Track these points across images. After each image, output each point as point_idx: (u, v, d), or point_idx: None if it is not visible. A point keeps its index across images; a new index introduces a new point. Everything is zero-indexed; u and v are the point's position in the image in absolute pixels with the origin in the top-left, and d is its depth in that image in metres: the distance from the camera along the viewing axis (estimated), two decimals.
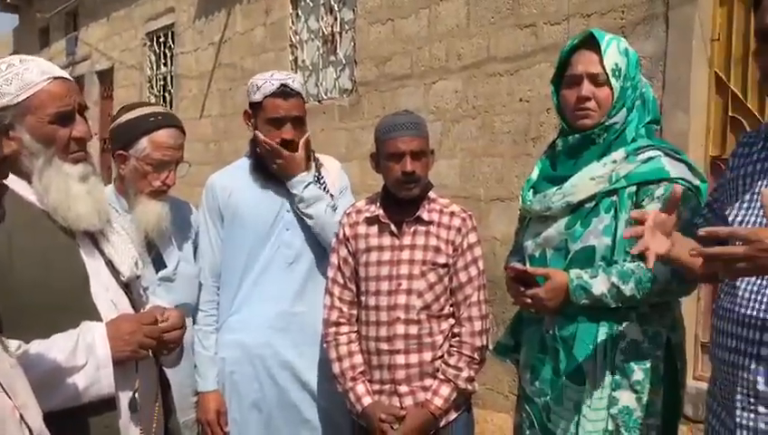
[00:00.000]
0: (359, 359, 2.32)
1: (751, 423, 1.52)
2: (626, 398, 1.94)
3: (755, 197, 1.58)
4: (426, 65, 5.11)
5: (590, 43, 2.00)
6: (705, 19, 3.60)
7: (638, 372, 1.94)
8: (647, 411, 1.94)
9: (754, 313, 1.52)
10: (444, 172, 4.94)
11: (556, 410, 2.03)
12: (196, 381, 2.48)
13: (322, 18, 6.26)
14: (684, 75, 3.61)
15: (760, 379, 1.50)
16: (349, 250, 2.34)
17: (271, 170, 2.47)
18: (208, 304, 2.51)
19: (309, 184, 2.46)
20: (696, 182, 1.94)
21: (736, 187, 1.66)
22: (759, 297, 1.51)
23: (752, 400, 1.52)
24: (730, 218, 1.63)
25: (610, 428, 1.96)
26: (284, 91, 2.42)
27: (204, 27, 7.91)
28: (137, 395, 1.70)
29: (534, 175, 2.17)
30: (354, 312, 2.35)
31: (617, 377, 1.96)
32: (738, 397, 1.54)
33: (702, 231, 1.44)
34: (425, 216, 2.30)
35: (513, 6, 4.49)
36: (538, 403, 2.09)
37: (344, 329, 2.34)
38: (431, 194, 2.35)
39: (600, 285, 1.92)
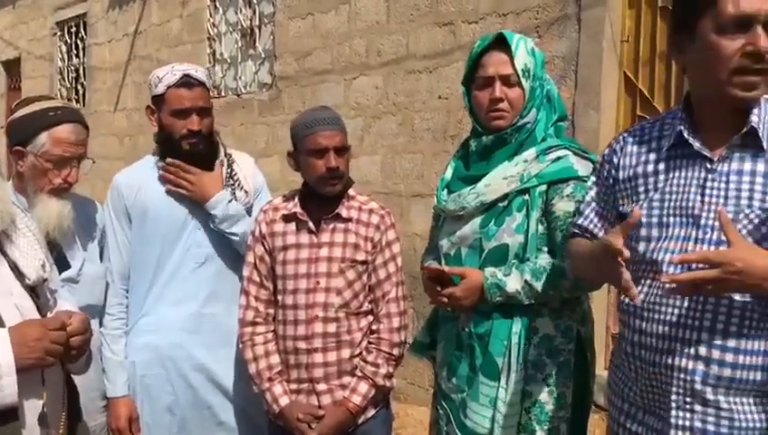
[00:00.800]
0: (275, 359, 2.29)
1: (687, 423, 1.55)
2: (539, 392, 1.99)
3: (667, 197, 1.61)
4: (346, 61, 5.10)
5: (499, 43, 2.03)
6: (615, 21, 3.73)
7: (551, 365, 2.00)
8: (558, 404, 1.99)
9: (692, 313, 1.54)
10: (365, 168, 4.94)
11: (472, 406, 2.06)
12: (105, 386, 2.40)
13: (241, 11, 6.16)
14: (595, 75, 3.73)
15: (697, 378, 1.53)
16: (265, 248, 2.31)
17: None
18: (116, 307, 2.43)
19: (230, 201, 2.41)
20: None
21: (635, 186, 1.68)
22: (695, 298, 1.53)
23: (688, 399, 1.54)
24: (643, 218, 1.63)
25: (524, 421, 2.00)
26: (188, 82, 2.36)
27: (118, 18, 7.66)
28: (45, 409, 1.63)
29: (448, 175, 2.20)
30: (271, 311, 2.32)
31: (530, 372, 2.00)
32: (673, 397, 1.56)
33: (676, 258, 1.46)
34: (344, 213, 2.29)
35: (431, 4, 4.53)
36: (455, 400, 2.12)
37: (261, 329, 2.31)
38: (350, 191, 2.34)
39: (513, 283, 1.96)
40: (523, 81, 2.01)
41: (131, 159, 5.50)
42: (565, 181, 1.98)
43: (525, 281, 1.95)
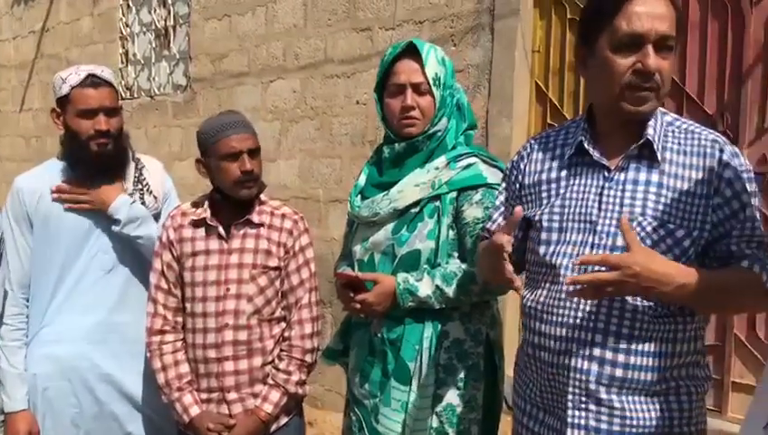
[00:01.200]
0: (185, 368, 2.24)
1: (582, 422, 1.60)
2: (449, 395, 2.02)
3: (567, 203, 1.67)
4: (263, 63, 5.04)
5: (410, 52, 2.05)
6: (527, 32, 3.82)
7: (461, 369, 2.03)
8: (469, 406, 2.03)
9: (587, 315, 1.59)
10: (283, 173, 4.90)
11: (384, 411, 2.07)
12: (3, 401, 2.29)
13: (155, 11, 6.00)
14: (507, 84, 3.82)
15: (591, 378, 1.58)
16: (173, 254, 2.25)
17: (85, 172, 2.33)
18: (15, 317, 2.32)
19: (133, 202, 2.35)
20: None
21: (538, 192, 1.73)
22: (591, 300, 1.58)
23: (583, 398, 1.59)
24: (544, 223, 1.69)
25: (435, 425, 2.02)
26: (93, 81, 2.29)
27: (23, 14, 7.34)
28: None
29: (362, 181, 2.20)
30: (179, 319, 2.27)
31: (441, 375, 2.03)
32: (570, 397, 1.61)
33: (578, 260, 1.51)
34: (255, 218, 2.26)
35: (349, 10, 4.54)
36: (367, 406, 2.12)
37: (169, 337, 2.25)
38: (261, 196, 2.32)
39: (425, 288, 1.98)
40: (434, 89, 2.04)
41: (39, 161, 5.27)
42: (475, 188, 2.02)
43: (437, 286, 1.98)
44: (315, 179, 4.76)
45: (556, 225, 1.66)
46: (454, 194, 2.02)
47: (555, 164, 1.73)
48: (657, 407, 1.58)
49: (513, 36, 3.79)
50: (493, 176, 2.04)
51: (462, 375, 2.02)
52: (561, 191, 1.68)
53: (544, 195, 1.72)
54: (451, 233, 2.04)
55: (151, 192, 2.44)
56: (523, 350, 1.77)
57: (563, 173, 1.70)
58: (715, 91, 3.26)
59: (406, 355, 2.03)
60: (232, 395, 2.23)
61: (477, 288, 1.98)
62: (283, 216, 2.31)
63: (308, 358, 2.28)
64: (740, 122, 3.19)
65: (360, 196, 2.18)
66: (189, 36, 5.63)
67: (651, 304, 1.55)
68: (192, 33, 5.59)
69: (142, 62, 6.16)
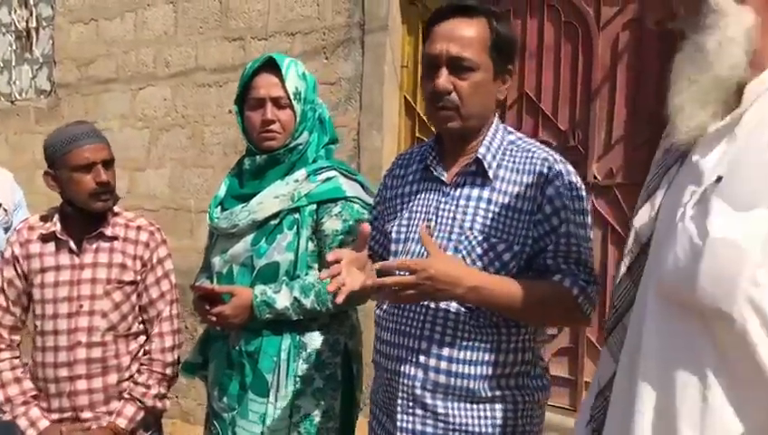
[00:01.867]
0: (28, 384, 2.16)
1: (410, 426, 1.67)
2: (307, 406, 2.04)
3: (413, 216, 1.75)
4: (132, 70, 4.90)
5: (270, 66, 2.06)
6: (396, 47, 3.93)
7: (319, 379, 2.05)
8: (327, 416, 2.05)
9: (415, 323, 1.67)
10: (153, 182, 4.77)
11: (242, 423, 2.05)
12: None
13: (15, 11, 5.70)
14: (377, 98, 3.90)
15: (417, 384, 1.66)
16: (17, 271, 2.15)
17: None
18: None
19: None
20: (370, 200, 2.10)
21: (395, 205, 1.82)
22: (419, 308, 1.67)
23: (410, 404, 1.67)
24: (393, 235, 1.77)
25: None
26: None
27: None
28: None
29: (222, 192, 2.19)
30: (16, 337, 2.20)
31: (299, 386, 2.04)
32: (399, 401, 1.68)
33: (377, 265, 1.58)
34: (108, 231, 2.20)
35: (220, 18, 4.49)
36: (226, 419, 2.10)
37: (5, 355, 2.17)
38: (115, 208, 2.25)
39: (283, 300, 1.99)
40: (294, 103, 2.06)
41: None
42: (334, 201, 2.05)
43: (295, 298, 2.00)
44: (186, 189, 4.67)
45: (402, 236, 1.73)
46: (313, 206, 2.05)
47: (409, 179, 1.81)
48: (482, 414, 1.65)
49: (382, 51, 3.88)
50: (351, 189, 2.08)
51: (320, 386, 2.05)
52: (409, 205, 1.76)
53: (398, 208, 1.80)
54: (310, 245, 2.06)
55: (0, 205, 2.33)
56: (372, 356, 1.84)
57: (414, 188, 1.78)
58: (568, 109, 3.48)
59: (264, 367, 2.03)
60: (86, 414, 2.16)
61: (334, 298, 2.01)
62: (139, 228, 2.26)
63: (168, 371, 2.25)
64: (589, 138, 3.41)
65: (219, 207, 2.17)
66: (53, 40, 5.39)
67: (473, 313, 1.64)
68: (56, 36, 5.35)
69: (2, 65, 5.83)
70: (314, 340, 2.06)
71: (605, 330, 1.37)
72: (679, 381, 1.15)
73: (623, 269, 1.32)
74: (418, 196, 1.76)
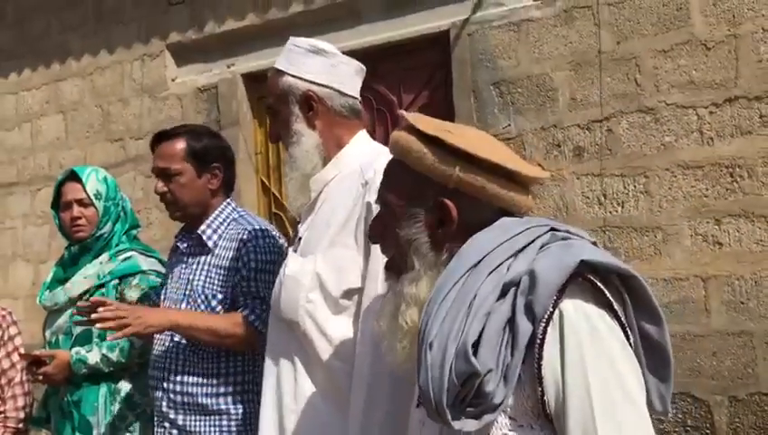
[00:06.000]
0: None
1: None
2: None
3: (174, 281, 2.36)
4: (31, 173, 5.48)
5: (74, 177, 2.67)
6: (249, 137, 4.58)
7: (131, 416, 2.58)
8: None
9: (161, 355, 2.26)
10: None
11: None
12: None
13: None
14: (236, 182, 4.51)
15: (164, 403, 2.24)
16: None
17: None
18: None
19: None
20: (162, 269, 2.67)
21: (169, 274, 2.43)
22: (166, 344, 2.26)
23: (161, 419, 2.25)
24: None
25: None
26: None
27: None
28: None
29: (49, 278, 2.76)
30: None
31: (117, 423, 2.57)
32: (156, 418, 2.25)
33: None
34: None
35: (103, 123, 5.12)
36: None
37: None
38: None
39: (93, 356, 2.54)
40: (95, 202, 2.65)
41: None
42: (133, 275, 2.63)
43: (103, 354, 2.54)
44: None
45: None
46: (116, 281, 2.62)
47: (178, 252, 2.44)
48: (212, 423, 2.22)
49: (236, 142, 4.52)
50: (147, 263, 2.66)
51: (133, 421, 2.58)
52: (173, 274, 2.40)
53: (170, 277, 2.45)
54: None
55: None
56: None
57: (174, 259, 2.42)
58: None
59: (86, 412, 2.57)
60: None
61: (136, 352, 2.57)
62: None
63: (20, 426, 2.77)
64: None
65: (48, 290, 2.73)
66: None
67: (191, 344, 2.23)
68: None
69: None
70: (126, 386, 2.61)
71: None
72: (283, 365, 1.78)
73: None
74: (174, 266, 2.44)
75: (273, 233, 2.32)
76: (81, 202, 2.64)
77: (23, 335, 2.94)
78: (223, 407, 2.22)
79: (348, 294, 1.75)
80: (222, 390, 2.22)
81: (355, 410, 1.69)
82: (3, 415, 2.76)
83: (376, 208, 1.71)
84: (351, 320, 1.76)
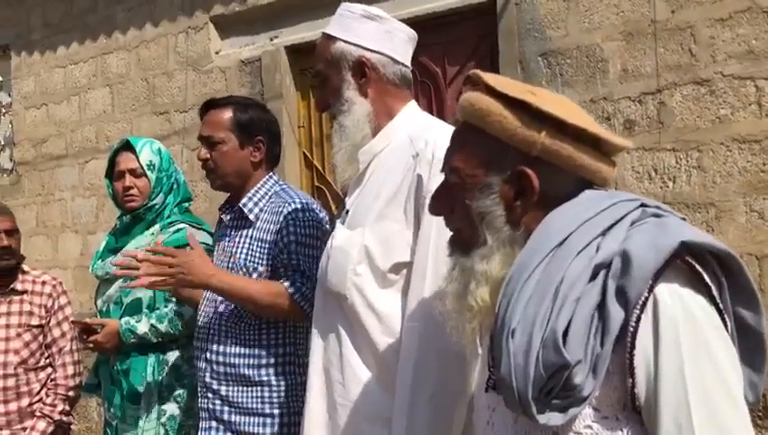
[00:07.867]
0: None
1: (206, 405, 2.32)
2: (171, 408, 2.61)
3: (219, 253, 2.38)
4: (79, 146, 5.56)
5: (128, 147, 2.69)
6: (292, 111, 4.57)
7: (179, 388, 2.62)
8: (187, 415, 2.62)
9: (204, 326, 2.32)
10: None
11: (122, 427, 2.63)
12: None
13: None
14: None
15: (207, 374, 2.31)
16: None
17: None
18: None
19: None
20: (210, 241, 2.69)
21: (215, 246, 2.44)
22: (209, 315, 2.32)
23: (205, 389, 2.32)
24: None
25: (161, 433, 2.60)
26: None
27: None
28: None
29: (101, 247, 2.80)
30: None
31: (164, 394, 2.61)
32: (199, 389, 2.37)
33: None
34: (18, 286, 2.81)
35: (149, 96, 5.16)
36: (113, 425, 2.68)
37: None
38: (24, 266, 2.86)
39: (142, 327, 2.58)
40: (148, 172, 2.67)
41: None
42: (183, 247, 2.64)
43: (151, 324, 2.58)
44: None
45: None
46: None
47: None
48: (255, 394, 2.23)
49: (279, 115, 4.51)
50: (200, 236, 2.68)
51: (180, 392, 2.62)
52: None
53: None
54: None
55: None
56: None
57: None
58: None
59: (135, 381, 2.61)
60: (4, 432, 2.73)
61: (185, 323, 2.60)
62: (44, 283, 2.87)
63: (71, 393, 2.86)
64: None
65: (101, 259, 2.77)
66: (12, 124, 6.07)
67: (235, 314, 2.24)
68: (15, 120, 6.03)
69: None
70: (174, 356, 2.64)
71: None
72: (329, 337, 1.77)
73: None
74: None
75: (315, 207, 2.31)
76: (133, 172, 2.66)
77: (72, 305, 3.01)
78: (265, 378, 2.23)
79: (396, 268, 1.72)
80: (264, 361, 2.24)
81: (402, 387, 1.67)
82: (54, 382, 2.84)
83: (426, 181, 1.68)
84: (399, 295, 1.73)
